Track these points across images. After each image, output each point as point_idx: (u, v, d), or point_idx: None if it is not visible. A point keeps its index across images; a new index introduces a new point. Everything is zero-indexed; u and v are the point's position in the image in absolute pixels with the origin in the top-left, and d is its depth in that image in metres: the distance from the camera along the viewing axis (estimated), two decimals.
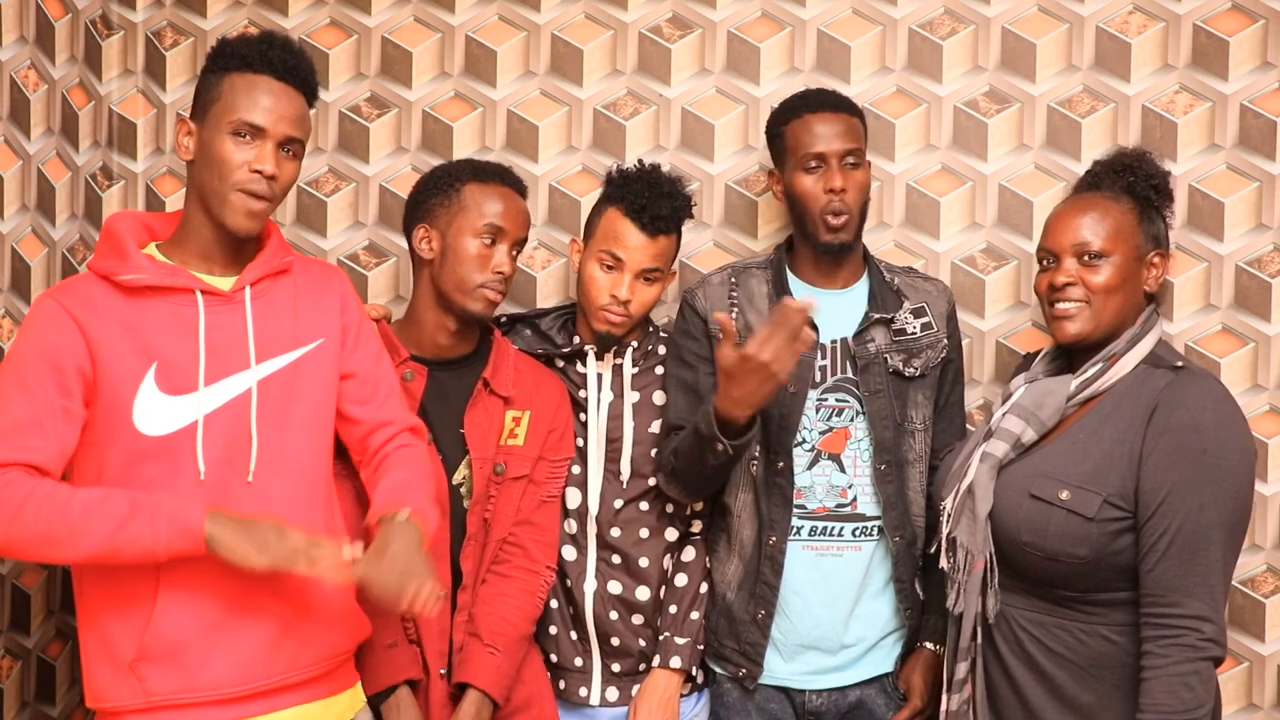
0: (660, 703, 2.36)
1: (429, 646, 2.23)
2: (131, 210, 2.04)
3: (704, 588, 2.41)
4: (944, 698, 2.15)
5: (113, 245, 1.91)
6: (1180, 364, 2.06)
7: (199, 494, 1.84)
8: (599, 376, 2.41)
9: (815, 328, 2.32)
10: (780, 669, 2.35)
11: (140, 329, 1.86)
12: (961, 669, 2.11)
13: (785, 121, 2.35)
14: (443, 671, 2.25)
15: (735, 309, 2.38)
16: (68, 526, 1.76)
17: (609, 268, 2.34)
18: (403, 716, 2.18)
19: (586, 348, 2.41)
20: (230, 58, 1.92)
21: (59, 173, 2.50)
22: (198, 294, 1.90)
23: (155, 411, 1.86)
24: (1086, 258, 2.08)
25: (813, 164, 2.30)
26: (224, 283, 1.94)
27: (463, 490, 2.29)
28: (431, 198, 2.30)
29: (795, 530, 2.33)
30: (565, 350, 2.42)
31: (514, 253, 2.29)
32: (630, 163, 2.42)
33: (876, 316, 2.35)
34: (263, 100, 1.91)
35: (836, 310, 2.37)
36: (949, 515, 2.11)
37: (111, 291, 1.87)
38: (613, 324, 2.35)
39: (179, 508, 1.79)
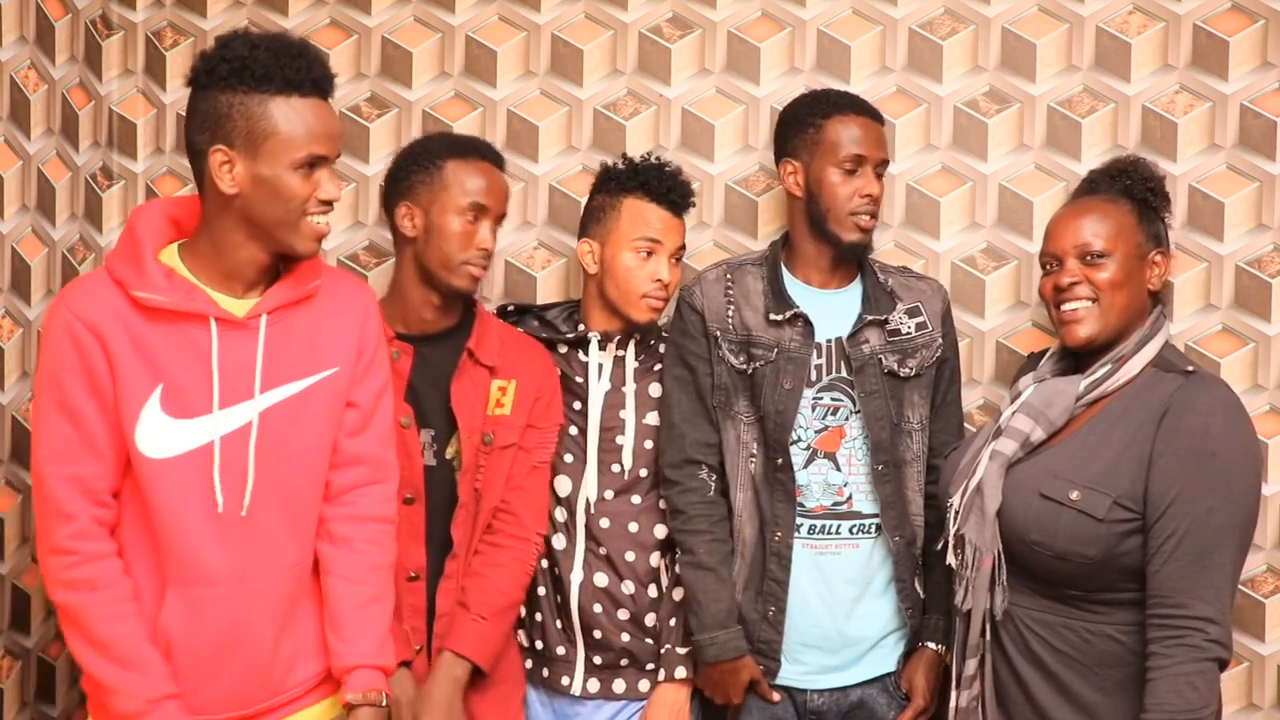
0: (670, 716, 2.37)
1: (406, 624, 2.27)
2: (157, 202, 1.93)
3: None
4: (953, 694, 2.15)
5: (132, 251, 1.85)
6: (1191, 368, 2.08)
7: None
8: (599, 366, 2.41)
9: (810, 325, 2.34)
10: (783, 668, 2.35)
11: (149, 347, 1.82)
12: (970, 666, 2.11)
13: (825, 115, 2.35)
14: (418, 648, 2.28)
15: (731, 305, 2.38)
16: (92, 648, 1.83)
17: (647, 254, 2.37)
18: (403, 694, 2.22)
19: (590, 335, 2.42)
20: (267, 79, 1.81)
21: (59, 173, 2.50)
22: (212, 320, 1.86)
23: (157, 433, 1.83)
24: (1089, 258, 2.10)
25: (850, 165, 2.32)
26: (240, 307, 1.88)
27: (454, 464, 2.32)
28: (413, 174, 2.31)
29: (796, 528, 2.33)
30: (569, 336, 2.44)
31: (496, 228, 2.34)
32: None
33: (870, 318, 2.35)
34: (319, 127, 1.84)
35: (832, 310, 2.37)
36: (957, 512, 2.12)
37: (125, 301, 1.82)
38: (656, 310, 2.39)
39: None
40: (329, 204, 1.88)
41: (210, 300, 1.86)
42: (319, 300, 1.96)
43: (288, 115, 1.82)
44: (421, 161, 2.32)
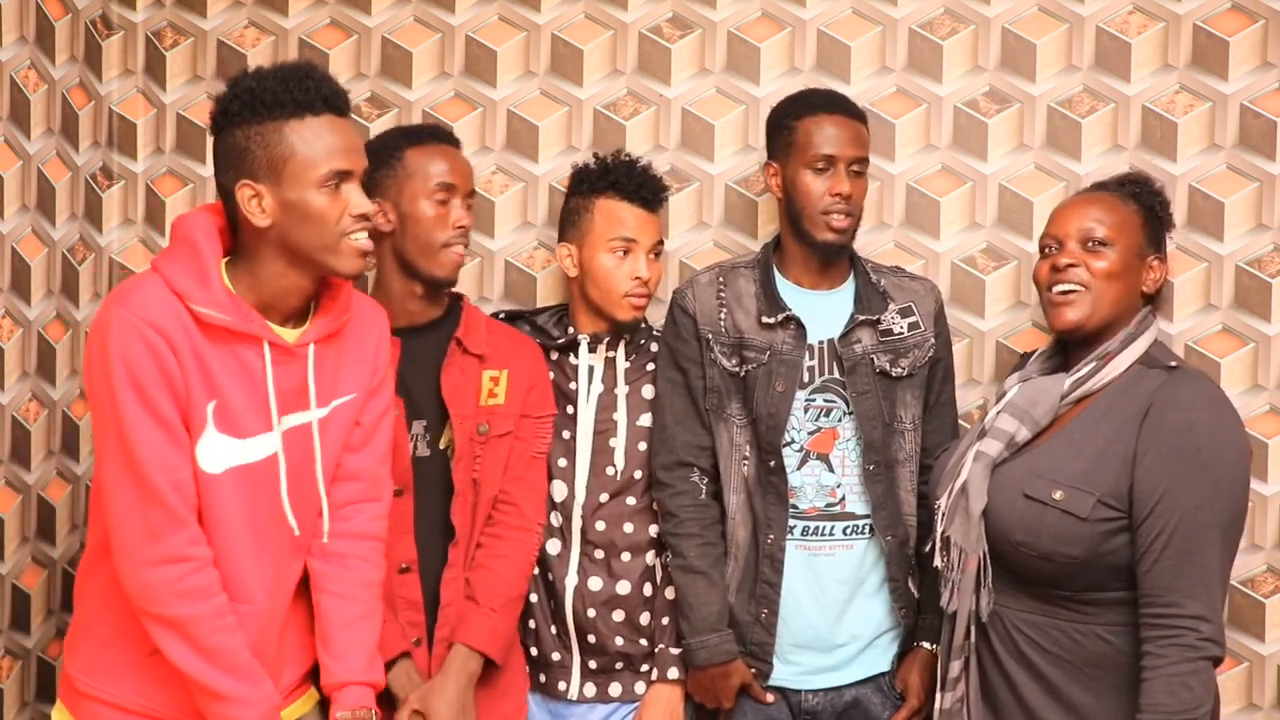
0: (664, 716, 2.37)
1: (401, 618, 2.27)
2: (206, 214, 1.90)
3: None
4: (938, 695, 2.16)
5: (196, 264, 1.83)
6: (1174, 364, 2.07)
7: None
8: (590, 369, 2.42)
9: (803, 327, 2.34)
10: (776, 669, 2.36)
11: (205, 362, 1.82)
12: (955, 667, 2.12)
13: (798, 116, 2.36)
14: (415, 640, 2.28)
15: (723, 308, 2.38)
16: (205, 658, 1.82)
17: (624, 254, 2.38)
18: (410, 683, 2.24)
19: (580, 338, 2.42)
20: (278, 105, 1.81)
21: (59, 173, 2.50)
22: (265, 344, 1.86)
23: (212, 448, 1.83)
24: (1090, 244, 2.11)
25: (820, 165, 2.31)
26: (289, 334, 1.89)
27: (449, 453, 2.32)
28: (376, 172, 2.29)
29: (789, 529, 2.33)
30: (560, 341, 2.44)
31: (467, 205, 2.34)
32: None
33: (862, 318, 2.35)
34: (336, 143, 1.83)
35: (824, 311, 2.37)
36: (943, 513, 2.13)
37: (184, 312, 1.80)
38: (639, 308, 2.40)
39: None
40: (364, 218, 1.86)
41: (265, 325, 1.86)
42: (344, 328, 1.98)
43: (303, 136, 1.82)
44: (381, 157, 2.31)
